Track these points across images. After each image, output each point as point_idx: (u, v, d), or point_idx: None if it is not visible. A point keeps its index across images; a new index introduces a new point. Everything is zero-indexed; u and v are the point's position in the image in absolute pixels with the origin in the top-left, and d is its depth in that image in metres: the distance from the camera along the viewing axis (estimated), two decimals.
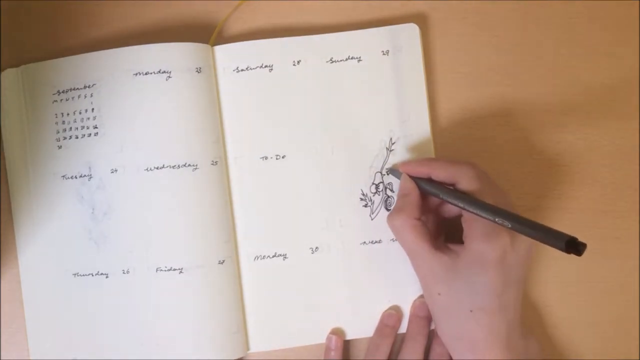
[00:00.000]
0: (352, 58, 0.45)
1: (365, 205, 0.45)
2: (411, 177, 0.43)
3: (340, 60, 0.45)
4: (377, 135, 0.45)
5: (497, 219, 0.36)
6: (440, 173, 0.41)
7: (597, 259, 0.46)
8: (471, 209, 0.38)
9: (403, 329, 0.45)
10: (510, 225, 0.36)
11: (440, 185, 0.41)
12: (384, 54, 0.45)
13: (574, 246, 0.33)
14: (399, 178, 0.44)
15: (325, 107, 0.45)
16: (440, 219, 0.45)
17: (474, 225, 0.39)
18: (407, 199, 0.42)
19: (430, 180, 0.42)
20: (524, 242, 0.39)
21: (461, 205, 0.39)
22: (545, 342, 0.46)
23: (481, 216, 0.37)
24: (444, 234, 0.45)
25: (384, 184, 0.45)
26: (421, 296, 0.45)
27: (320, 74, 0.45)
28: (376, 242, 0.45)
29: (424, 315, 0.44)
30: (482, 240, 0.38)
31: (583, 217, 0.46)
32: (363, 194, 0.45)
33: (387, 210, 0.45)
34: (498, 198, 0.39)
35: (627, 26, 0.47)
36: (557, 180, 0.47)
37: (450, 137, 0.47)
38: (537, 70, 0.47)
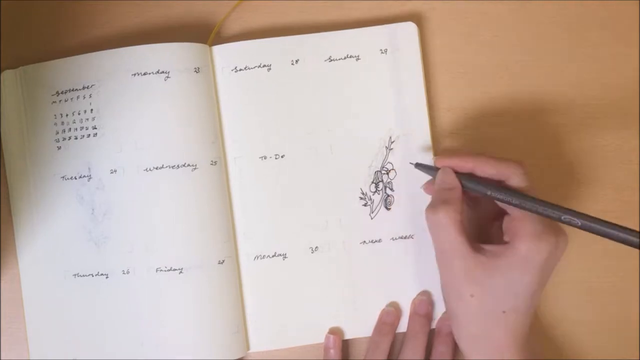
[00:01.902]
0: (350, 57, 0.45)
1: (365, 205, 0.45)
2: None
3: (339, 59, 0.45)
4: (376, 133, 0.45)
5: (563, 217, 0.35)
6: (487, 169, 0.40)
7: (597, 259, 0.46)
8: (527, 206, 0.37)
9: (403, 328, 0.45)
10: (580, 224, 0.35)
11: (487, 181, 0.40)
12: (382, 53, 0.45)
13: None
14: (429, 174, 0.42)
15: (323, 106, 0.45)
16: (475, 218, 0.44)
17: (524, 224, 0.38)
18: (451, 192, 0.40)
19: (473, 176, 0.40)
20: (566, 243, 0.38)
21: (515, 202, 0.37)
22: (545, 342, 0.46)
23: (542, 214, 0.36)
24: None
25: (383, 183, 0.45)
26: (421, 294, 0.45)
27: (318, 73, 0.45)
28: (376, 241, 0.45)
29: (424, 314, 0.44)
30: (531, 240, 0.37)
31: None
32: (362, 193, 0.45)
33: (387, 209, 0.45)
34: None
35: (627, 26, 0.47)
36: (557, 180, 0.47)
37: (449, 136, 0.47)
38: (536, 70, 0.47)
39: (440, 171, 0.41)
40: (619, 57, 0.47)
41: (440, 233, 0.39)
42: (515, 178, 0.39)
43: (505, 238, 0.39)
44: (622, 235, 0.33)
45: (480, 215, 0.44)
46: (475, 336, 0.40)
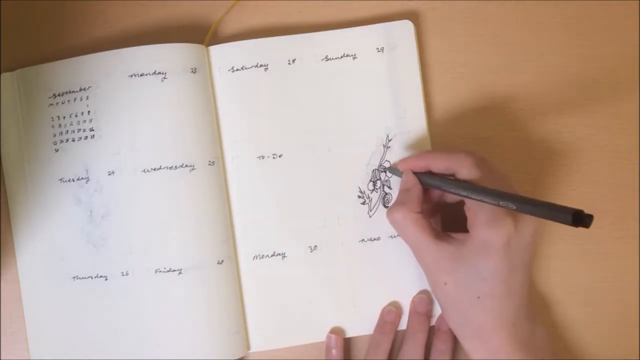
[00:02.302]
0: (347, 56, 0.45)
1: (363, 203, 0.45)
2: (413, 172, 0.43)
3: (335, 58, 0.45)
4: (373, 132, 0.45)
5: (501, 203, 0.36)
6: (438, 164, 0.41)
7: (597, 259, 0.46)
8: (474, 196, 0.38)
9: (403, 325, 0.45)
10: (515, 207, 0.35)
11: (441, 176, 0.41)
12: (379, 51, 0.45)
13: (580, 219, 0.32)
14: (399, 176, 0.44)
15: (321, 105, 0.45)
16: (443, 210, 0.45)
17: (477, 212, 0.39)
18: (408, 193, 0.42)
19: (430, 173, 0.42)
20: (528, 226, 0.39)
21: (463, 194, 0.39)
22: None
23: (485, 202, 0.37)
24: (446, 224, 0.45)
25: (381, 181, 0.45)
26: (420, 292, 0.45)
27: (315, 72, 0.45)
28: (375, 239, 0.45)
29: (424, 312, 0.44)
30: (486, 226, 0.38)
31: None
32: (361, 192, 0.45)
33: (385, 207, 0.45)
34: (499, 182, 0.39)
35: (627, 26, 0.47)
36: (557, 180, 0.47)
37: (447, 135, 0.46)
38: (536, 70, 0.47)
39: (402, 175, 0.43)
40: (619, 57, 0.47)
41: (401, 231, 0.42)
42: (463, 170, 0.40)
43: (467, 227, 0.40)
44: (555, 213, 0.33)
45: (447, 206, 0.44)
46: (459, 323, 0.41)
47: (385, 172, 0.45)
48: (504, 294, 0.39)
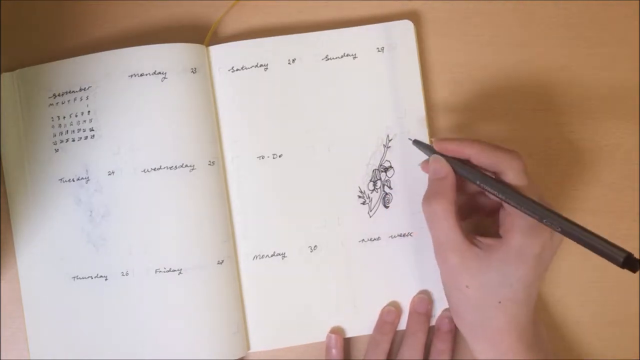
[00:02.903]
0: (347, 55, 0.45)
1: (364, 203, 0.45)
2: (445, 157, 0.40)
3: (336, 58, 0.45)
4: (373, 132, 0.45)
5: (545, 221, 0.35)
6: (483, 158, 0.38)
7: (597, 259, 0.46)
8: (514, 203, 0.36)
9: (402, 325, 0.45)
10: (560, 230, 0.34)
11: (481, 171, 0.39)
12: (379, 51, 0.45)
13: (630, 262, 0.31)
14: (427, 154, 0.41)
15: (321, 105, 0.45)
16: (473, 210, 0.43)
17: (516, 219, 0.38)
18: (444, 182, 0.39)
19: (466, 164, 0.39)
20: (558, 237, 0.38)
21: (504, 198, 0.37)
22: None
23: (526, 213, 0.36)
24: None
25: (381, 181, 0.45)
26: (420, 292, 0.45)
27: (315, 71, 0.45)
28: (375, 239, 0.45)
29: (424, 312, 0.44)
30: (525, 235, 0.37)
31: (583, 217, 0.46)
32: (361, 192, 0.45)
33: (385, 207, 0.45)
34: (539, 196, 0.38)
35: (627, 26, 0.47)
36: (557, 180, 0.47)
37: (447, 134, 0.46)
38: (535, 70, 0.47)
39: (431, 160, 0.40)
40: (619, 57, 0.47)
41: (435, 225, 0.39)
42: (510, 173, 0.38)
43: (500, 231, 0.39)
44: (605, 250, 0.32)
45: (479, 207, 0.43)
46: (473, 325, 0.40)
47: (412, 143, 0.43)
48: (524, 300, 0.39)
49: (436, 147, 0.40)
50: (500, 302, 0.38)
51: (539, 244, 0.37)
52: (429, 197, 0.39)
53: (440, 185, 0.39)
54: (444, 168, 0.39)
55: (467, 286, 0.39)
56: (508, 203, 0.37)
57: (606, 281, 0.46)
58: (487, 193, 0.39)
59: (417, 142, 0.42)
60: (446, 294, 0.41)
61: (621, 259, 0.31)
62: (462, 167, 0.39)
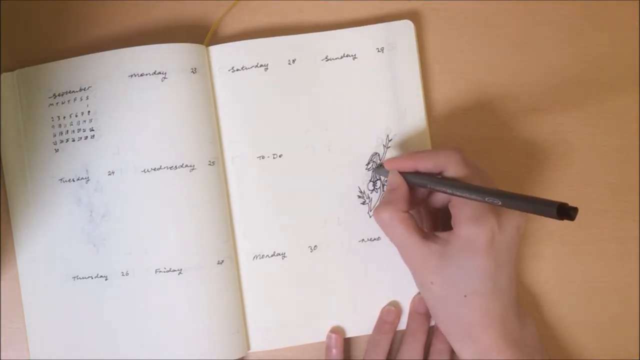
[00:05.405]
0: (347, 56, 0.45)
1: (363, 203, 0.45)
2: (399, 172, 0.43)
3: (336, 58, 0.45)
4: (373, 132, 0.45)
5: (487, 199, 0.36)
6: (425, 164, 0.41)
7: (597, 259, 0.46)
8: (459, 193, 0.38)
9: (402, 325, 0.45)
10: (500, 202, 0.35)
11: (428, 175, 0.41)
12: (379, 51, 0.45)
13: (565, 212, 0.32)
14: (385, 176, 0.44)
15: (321, 105, 0.45)
16: (432, 210, 0.45)
17: (462, 209, 0.39)
18: (395, 192, 0.42)
19: (417, 173, 0.42)
20: (511, 222, 0.39)
21: (449, 190, 0.39)
22: (545, 342, 0.46)
23: (470, 198, 0.37)
24: (438, 224, 0.45)
25: (381, 181, 0.45)
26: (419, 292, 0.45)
27: (315, 72, 0.45)
28: (375, 239, 0.45)
29: (424, 312, 0.45)
30: (470, 224, 0.38)
31: (583, 217, 0.46)
32: (361, 192, 0.45)
33: None
34: (484, 181, 0.40)
35: (627, 26, 0.47)
36: (557, 180, 0.47)
37: (447, 135, 0.47)
38: (536, 70, 0.47)
39: (389, 173, 0.43)
40: (618, 57, 0.47)
41: (388, 231, 0.41)
42: (451, 167, 0.40)
43: (452, 225, 0.40)
44: (539, 206, 0.33)
45: (439, 205, 0.44)
46: (447, 322, 0.41)
47: (372, 171, 0.45)
48: (490, 292, 0.39)
49: (387, 166, 0.43)
50: (465, 296, 0.39)
51: (487, 231, 0.38)
52: (378, 207, 0.42)
53: (391, 195, 0.42)
54: (397, 180, 0.42)
55: (432, 282, 0.40)
56: (454, 194, 0.38)
57: (605, 281, 0.46)
58: (439, 193, 0.41)
59: (376, 170, 0.45)
60: (422, 295, 0.43)
61: (555, 210, 0.32)
62: (414, 177, 0.42)
